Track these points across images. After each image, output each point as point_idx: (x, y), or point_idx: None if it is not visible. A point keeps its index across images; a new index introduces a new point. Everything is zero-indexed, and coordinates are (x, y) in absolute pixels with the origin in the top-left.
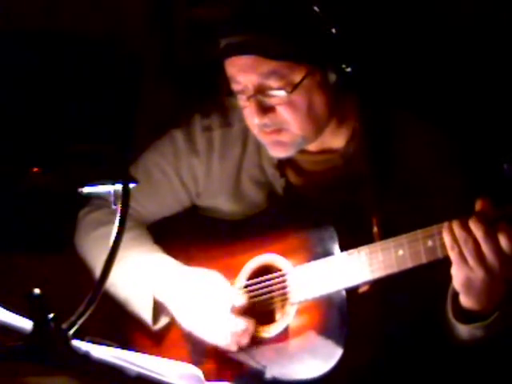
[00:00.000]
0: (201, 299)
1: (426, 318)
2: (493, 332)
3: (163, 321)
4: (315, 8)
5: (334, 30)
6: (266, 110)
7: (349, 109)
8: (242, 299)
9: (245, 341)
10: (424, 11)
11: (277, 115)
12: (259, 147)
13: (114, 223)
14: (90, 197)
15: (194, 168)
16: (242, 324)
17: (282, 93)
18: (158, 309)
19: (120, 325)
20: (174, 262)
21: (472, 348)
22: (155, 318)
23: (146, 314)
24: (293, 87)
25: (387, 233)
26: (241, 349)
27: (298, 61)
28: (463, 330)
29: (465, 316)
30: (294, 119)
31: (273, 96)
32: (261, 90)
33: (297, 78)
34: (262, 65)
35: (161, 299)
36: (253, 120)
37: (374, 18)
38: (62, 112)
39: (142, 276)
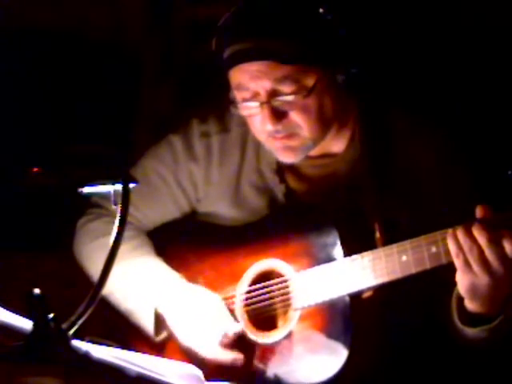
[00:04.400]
0: (197, 321)
1: (430, 322)
2: (498, 334)
3: (165, 332)
4: (324, 10)
5: (342, 32)
6: (279, 115)
7: (349, 112)
8: (236, 329)
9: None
10: (427, 11)
11: (289, 120)
12: (258, 152)
13: (111, 233)
14: (88, 205)
15: (193, 174)
16: (230, 357)
17: (296, 97)
18: (160, 320)
19: (120, 329)
20: (176, 276)
21: (476, 350)
22: (157, 330)
23: (148, 325)
24: (308, 91)
25: (390, 237)
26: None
27: (311, 64)
28: (468, 332)
29: (470, 318)
30: (306, 123)
31: (286, 101)
32: (274, 96)
33: (309, 81)
34: (276, 70)
35: (161, 312)
36: (264, 127)
37: (377, 19)
38: (62, 112)
39: (144, 287)
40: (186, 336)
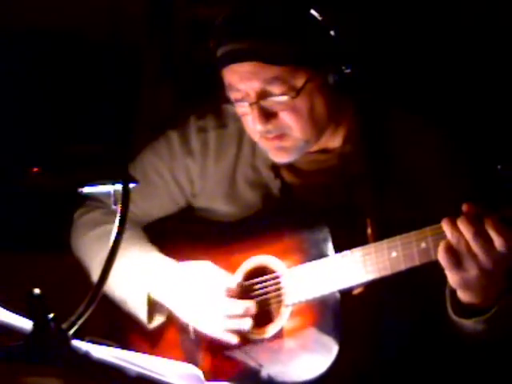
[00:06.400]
0: (196, 289)
1: (421, 317)
2: (494, 326)
3: (158, 319)
4: (314, 11)
5: (332, 32)
6: (268, 116)
7: (345, 109)
8: (237, 280)
9: (247, 325)
10: (427, 11)
11: (279, 121)
12: (254, 148)
13: (109, 223)
14: (85, 198)
15: (189, 169)
16: (241, 305)
17: (285, 98)
18: (153, 307)
19: (116, 325)
20: (168, 260)
21: (472, 345)
22: (150, 317)
23: (140, 312)
24: (297, 92)
25: (382, 234)
26: (241, 340)
27: (301, 65)
28: (464, 324)
29: (465, 310)
30: (296, 124)
31: (275, 102)
32: (263, 97)
33: (298, 82)
34: (264, 71)
35: (156, 297)
36: (255, 127)
37: (377, 18)
38: (62, 112)
39: (136, 275)
40: (187, 310)
